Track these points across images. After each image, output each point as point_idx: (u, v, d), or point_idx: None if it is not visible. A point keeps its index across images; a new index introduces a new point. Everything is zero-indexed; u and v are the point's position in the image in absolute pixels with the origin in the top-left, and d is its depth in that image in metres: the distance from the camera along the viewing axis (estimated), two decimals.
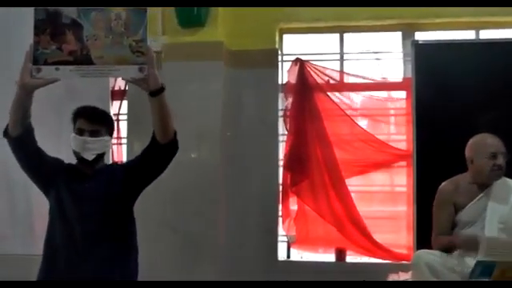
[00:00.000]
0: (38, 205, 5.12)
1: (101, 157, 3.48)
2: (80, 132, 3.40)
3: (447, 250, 3.98)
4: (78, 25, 2.97)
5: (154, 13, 5.33)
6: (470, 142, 4.10)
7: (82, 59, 2.97)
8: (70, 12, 2.99)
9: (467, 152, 4.09)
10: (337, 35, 5.66)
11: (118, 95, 5.64)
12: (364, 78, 5.52)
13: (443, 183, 4.15)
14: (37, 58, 3.01)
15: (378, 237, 5.32)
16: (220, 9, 5.29)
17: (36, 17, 3.01)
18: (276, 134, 5.51)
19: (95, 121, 3.42)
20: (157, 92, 3.05)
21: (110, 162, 5.10)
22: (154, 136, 3.26)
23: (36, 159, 3.46)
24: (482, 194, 4.01)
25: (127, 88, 5.52)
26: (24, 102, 3.20)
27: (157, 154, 3.30)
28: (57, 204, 3.45)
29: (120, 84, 5.60)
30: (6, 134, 3.35)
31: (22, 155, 3.41)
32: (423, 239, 4.45)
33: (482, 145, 4.03)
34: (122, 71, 2.98)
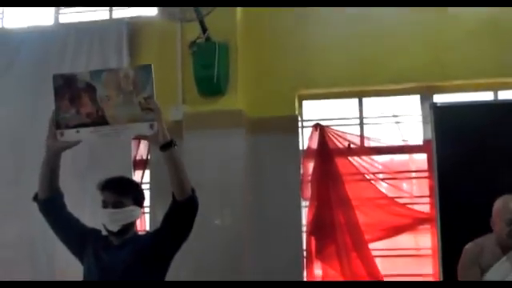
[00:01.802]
0: (62, 276, 5.25)
1: (129, 227, 3.48)
2: (105, 204, 3.44)
3: None
4: (92, 87, 3.12)
5: (175, 82, 5.55)
6: (495, 203, 4.02)
7: (99, 120, 3.11)
8: (83, 76, 3.15)
9: (492, 213, 4.01)
10: (356, 100, 5.70)
11: (140, 165, 5.69)
12: (384, 142, 5.56)
13: (468, 245, 4.07)
14: (59, 123, 3.17)
15: None
16: (239, 77, 5.36)
17: (55, 83, 3.18)
18: (298, 200, 5.47)
19: (118, 192, 3.44)
20: (166, 146, 3.10)
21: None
22: (172, 195, 3.27)
23: (65, 224, 3.56)
24: (504, 258, 3.92)
25: (149, 157, 5.59)
26: (51, 165, 3.36)
27: (177, 213, 3.30)
28: (87, 273, 3.50)
29: (142, 153, 5.67)
30: (35, 197, 3.50)
31: (49, 219, 3.53)
32: None
33: (501, 208, 3.94)
34: (134, 129, 3.08)
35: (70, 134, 3.18)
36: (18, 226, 5.54)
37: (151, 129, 3.04)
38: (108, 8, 6.07)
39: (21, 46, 5.88)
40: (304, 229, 5.49)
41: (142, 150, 5.68)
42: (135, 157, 5.66)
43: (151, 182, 5.55)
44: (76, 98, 3.15)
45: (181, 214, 3.30)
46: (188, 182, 3.25)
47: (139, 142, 5.62)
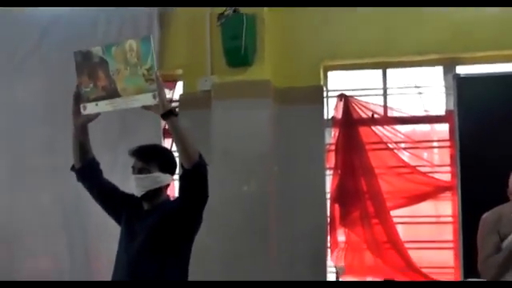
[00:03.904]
0: (95, 243, 5.50)
1: (156, 193, 3.56)
2: (133, 170, 3.56)
3: (500, 272, 3.89)
4: (105, 61, 3.30)
5: (204, 53, 5.62)
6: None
7: (112, 93, 3.30)
8: (97, 51, 3.32)
9: (509, 182, 4.03)
10: (379, 71, 5.74)
11: (170, 133, 5.75)
12: (407, 112, 5.62)
13: (486, 214, 4.07)
14: (82, 97, 3.39)
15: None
16: (266, 48, 5.40)
17: (75, 59, 3.39)
18: (323, 168, 5.55)
19: (142, 158, 3.54)
20: (166, 114, 3.21)
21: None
22: (181, 164, 3.38)
23: (101, 191, 3.74)
24: None
25: None
26: (80, 139, 3.60)
27: (187, 181, 3.37)
28: (120, 238, 3.65)
29: None
30: (73, 167, 3.71)
31: (87, 186, 3.74)
32: (470, 269, 4.48)
33: None
34: (140, 100, 3.22)
35: (91, 107, 3.40)
36: (53, 193, 5.69)
37: (154, 99, 3.17)
38: None
39: (51, 24, 5.97)
40: (328, 196, 5.57)
41: None
42: (165, 126, 5.67)
43: None
44: (93, 72, 3.34)
45: (190, 182, 3.36)
46: (193, 150, 3.31)
47: None
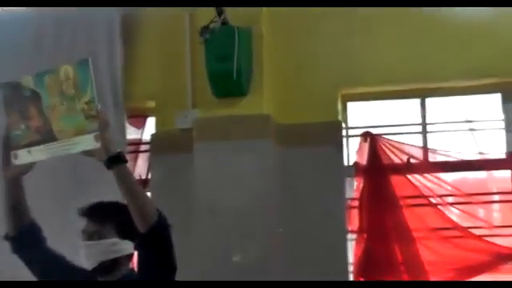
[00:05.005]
0: None
1: (114, 265, 3.02)
2: (82, 235, 3.09)
3: None
4: (37, 95, 2.91)
5: (182, 80, 5.14)
6: None
7: (47, 136, 2.88)
8: (27, 82, 2.93)
9: None
10: (417, 101, 5.16)
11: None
12: (455, 155, 5.03)
13: None
14: (12, 142, 3.02)
15: None
16: (265, 72, 4.86)
17: (3, 93, 3.02)
18: (343, 231, 4.93)
19: (95, 219, 3.06)
20: (111, 161, 2.68)
21: None
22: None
23: (44, 264, 3.23)
24: None
25: (149, 177, 5.22)
26: (14, 197, 3.11)
27: (143, 248, 2.85)
28: None
29: (140, 172, 5.27)
30: (6, 235, 3.25)
31: (23, 259, 3.24)
32: None
33: None
34: (80, 144, 2.76)
35: (23, 156, 2.96)
36: None
37: (97, 141, 2.70)
38: None
39: None
40: (351, 269, 4.98)
41: (141, 168, 5.30)
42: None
43: None
44: (24, 110, 2.95)
45: (148, 250, 2.85)
46: (149, 208, 2.80)
47: (136, 159, 5.33)
